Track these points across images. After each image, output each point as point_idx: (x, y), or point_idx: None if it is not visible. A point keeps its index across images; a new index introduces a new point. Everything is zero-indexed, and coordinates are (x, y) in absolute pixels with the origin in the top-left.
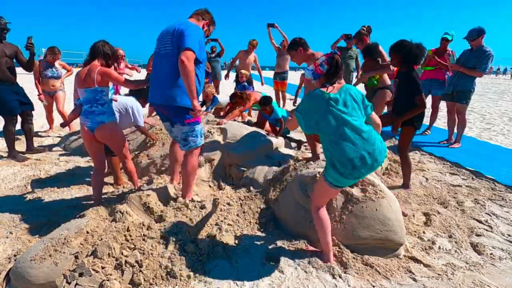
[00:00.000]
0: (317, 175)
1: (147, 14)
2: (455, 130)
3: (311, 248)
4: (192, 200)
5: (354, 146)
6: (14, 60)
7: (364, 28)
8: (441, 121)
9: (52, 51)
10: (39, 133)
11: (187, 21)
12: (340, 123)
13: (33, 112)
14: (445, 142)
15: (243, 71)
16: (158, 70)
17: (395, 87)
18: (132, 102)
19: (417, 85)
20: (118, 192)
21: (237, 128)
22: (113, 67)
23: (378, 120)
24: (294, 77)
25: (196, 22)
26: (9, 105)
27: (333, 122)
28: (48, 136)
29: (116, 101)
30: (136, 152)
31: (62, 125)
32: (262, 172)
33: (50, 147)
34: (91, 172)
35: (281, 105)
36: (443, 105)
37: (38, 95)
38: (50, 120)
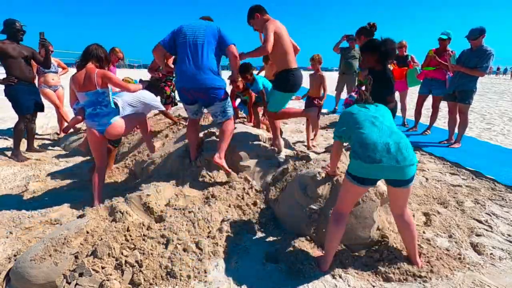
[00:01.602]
0: (317, 174)
1: (146, 14)
2: (456, 130)
3: (318, 253)
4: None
5: (380, 133)
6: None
7: (370, 24)
8: (441, 121)
9: None
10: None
11: (212, 22)
12: (372, 120)
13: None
14: (445, 142)
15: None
16: (193, 58)
17: (369, 84)
18: (140, 93)
19: (392, 85)
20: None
21: (237, 129)
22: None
23: None
24: None
25: None
26: (25, 104)
27: (366, 123)
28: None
29: (115, 102)
30: (136, 152)
31: (65, 131)
32: (262, 172)
33: (49, 147)
34: (89, 170)
35: None
36: (443, 105)
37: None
38: (65, 118)
